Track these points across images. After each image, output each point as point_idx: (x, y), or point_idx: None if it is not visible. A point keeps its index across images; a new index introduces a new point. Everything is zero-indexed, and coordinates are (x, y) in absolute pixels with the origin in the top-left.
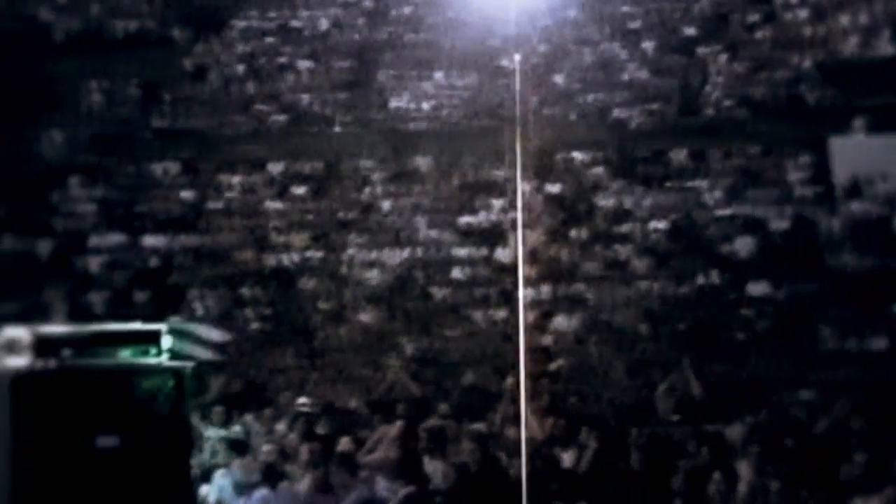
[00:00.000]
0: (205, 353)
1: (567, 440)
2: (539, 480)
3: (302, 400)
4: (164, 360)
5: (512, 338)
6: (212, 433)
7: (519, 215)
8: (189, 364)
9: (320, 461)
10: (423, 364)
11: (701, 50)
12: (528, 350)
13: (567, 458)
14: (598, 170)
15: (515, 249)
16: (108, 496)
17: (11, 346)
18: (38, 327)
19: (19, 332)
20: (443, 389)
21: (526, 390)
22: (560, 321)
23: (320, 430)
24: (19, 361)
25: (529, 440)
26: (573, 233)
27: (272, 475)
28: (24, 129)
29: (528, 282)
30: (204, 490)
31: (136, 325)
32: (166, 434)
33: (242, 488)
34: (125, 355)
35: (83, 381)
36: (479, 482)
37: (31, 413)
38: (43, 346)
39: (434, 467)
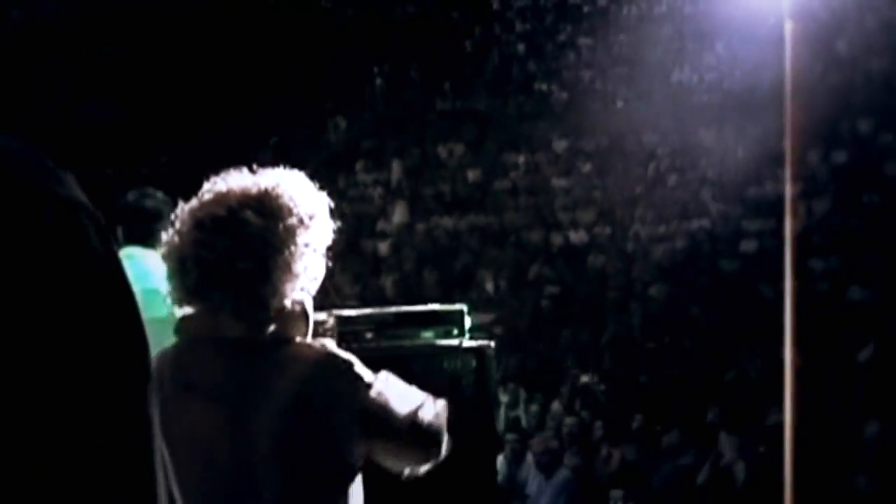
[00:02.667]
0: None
1: None
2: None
3: (592, 378)
4: (466, 340)
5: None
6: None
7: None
8: (491, 343)
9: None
10: (713, 336)
11: None
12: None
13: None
14: (887, 137)
15: (803, 220)
16: (413, 475)
17: (315, 330)
18: (340, 311)
19: (321, 316)
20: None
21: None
22: (854, 291)
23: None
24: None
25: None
26: (863, 200)
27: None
28: (310, 116)
29: (818, 252)
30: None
31: (437, 307)
32: (470, 414)
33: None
34: (427, 336)
35: (386, 362)
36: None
37: None
38: (345, 328)
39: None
